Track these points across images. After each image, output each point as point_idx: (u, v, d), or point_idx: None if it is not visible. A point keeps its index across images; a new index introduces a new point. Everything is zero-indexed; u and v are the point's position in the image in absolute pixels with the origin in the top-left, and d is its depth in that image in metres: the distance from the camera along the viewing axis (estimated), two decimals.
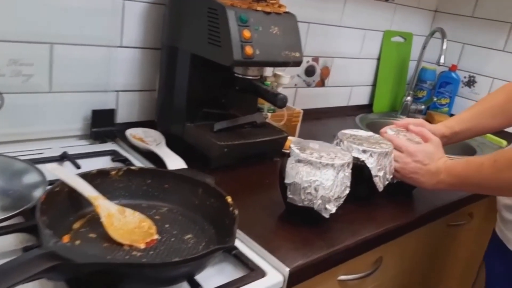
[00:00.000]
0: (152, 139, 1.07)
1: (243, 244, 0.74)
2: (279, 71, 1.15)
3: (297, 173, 0.79)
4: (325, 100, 1.62)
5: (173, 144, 1.03)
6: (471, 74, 1.85)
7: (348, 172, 0.81)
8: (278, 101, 0.92)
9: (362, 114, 1.70)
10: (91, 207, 0.69)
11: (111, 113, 1.07)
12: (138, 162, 0.99)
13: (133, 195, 0.79)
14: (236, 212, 0.69)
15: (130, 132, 1.07)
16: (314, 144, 0.86)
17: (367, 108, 1.79)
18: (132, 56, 1.11)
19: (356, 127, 1.56)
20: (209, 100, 1.06)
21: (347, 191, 0.81)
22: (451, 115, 1.85)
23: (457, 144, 1.60)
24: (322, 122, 1.54)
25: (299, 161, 0.80)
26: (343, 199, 0.81)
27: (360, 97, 1.76)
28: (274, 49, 0.96)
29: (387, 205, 0.97)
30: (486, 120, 1.05)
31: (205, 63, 0.96)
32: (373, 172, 0.89)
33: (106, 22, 1.03)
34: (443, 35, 1.54)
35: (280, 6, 0.98)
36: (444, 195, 1.07)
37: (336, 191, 0.79)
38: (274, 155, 1.11)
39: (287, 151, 1.14)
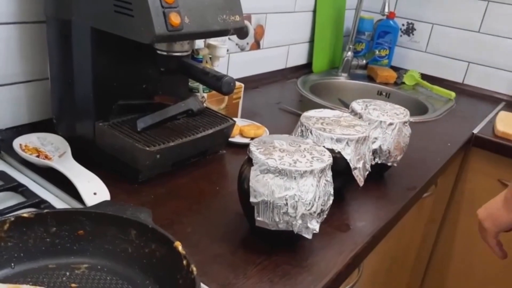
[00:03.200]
0: (53, 148, 0.80)
1: None
2: (213, 40, 0.90)
3: (266, 188, 0.58)
4: (261, 65, 1.40)
5: (82, 153, 0.77)
6: (410, 21, 1.72)
7: (329, 176, 0.62)
8: (224, 86, 0.68)
9: (303, 76, 1.51)
10: None
11: None
12: (37, 186, 0.71)
13: (33, 255, 0.53)
14: (194, 270, 0.47)
15: (20, 142, 0.78)
16: (279, 142, 0.64)
17: (307, 68, 1.59)
18: (6, 36, 0.79)
19: (300, 92, 1.37)
20: (126, 87, 0.79)
21: (330, 201, 0.62)
22: (392, 67, 1.72)
23: (407, 100, 1.49)
24: (263, 92, 1.32)
25: (267, 171, 0.58)
26: (327, 212, 0.62)
27: (298, 57, 1.56)
28: (208, 14, 0.70)
29: (362, 197, 0.80)
30: None
31: (115, 38, 0.68)
32: (352, 164, 0.71)
33: None
34: None
35: None
36: (416, 173, 0.93)
37: (319, 204, 0.59)
38: (219, 148, 0.88)
39: (235, 141, 0.94)
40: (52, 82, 0.81)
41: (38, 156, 0.76)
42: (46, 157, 0.76)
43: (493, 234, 0.80)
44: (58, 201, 0.68)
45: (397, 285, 1.26)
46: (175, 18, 0.65)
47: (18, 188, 0.69)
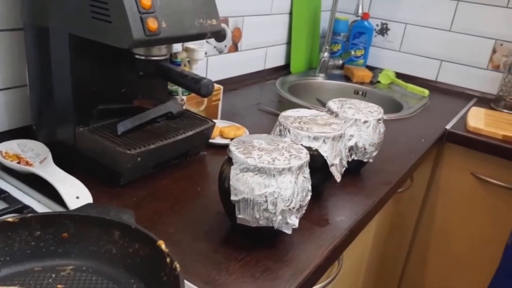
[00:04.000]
0: (34, 154, 0.80)
1: None
2: (191, 44, 0.91)
3: (246, 186, 0.60)
4: (240, 67, 1.42)
5: (63, 158, 0.77)
6: (383, 22, 1.77)
7: (307, 172, 0.64)
8: (202, 89, 0.70)
9: (281, 77, 1.54)
10: None
11: None
12: (20, 192, 0.71)
13: (18, 258, 0.54)
14: (178, 267, 0.49)
15: (0, 149, 0.78)
16: (258, 141, 0.66)
17: (285, 69, 1.62)
18: None
19: (279, 93, 1.39)
20: (105, 92, 0.80)
21: (309, 197, 0.64)
22: (367, 67, 1.76)
23: (383, 99, 1.53)
24: (242, 93, 1.34)
25: (246, 169, 0.60)
26: (305, 207, 0.64)
27: (276, 58, 1.58)
28: (185, 18, 0.72)
29: (340, 193, 0.83)
30: None
31: (93, 44, 0.69)
32: (329, 161, 0.74)
33: None
34: None
35: None
36: (391, 168, 0.96)
37: (298, 200, 0.61)
38: (200, 150, 0.90)
39: (215, 142, 0.95)
40: (31, 88, 0.82)
41: (19, 163, 0.76)
42: (27, 163, 0.77)
43: None
44: (40, 206, 0.68)
45: (378, 278, 1.29)
46: (152, 23, 0.66)
47: (0, 194, 0.70)
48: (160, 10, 0.68)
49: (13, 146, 0.80)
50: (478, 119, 1.32)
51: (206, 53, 1.23)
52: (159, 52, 0.75)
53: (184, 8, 0.72)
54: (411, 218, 1.40)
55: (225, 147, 0.91)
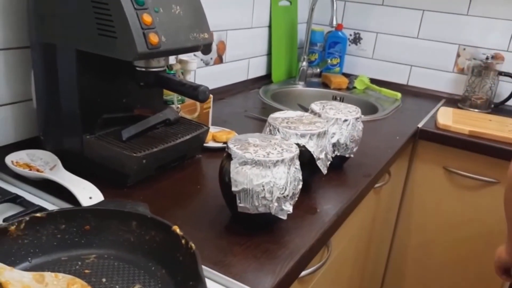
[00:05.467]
0: (43, 163, 0.86)
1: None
2: (184, 56, 1.00)
3: (245, 177, 0.68)
4: (225, 78, 1.50)
5: (72, 164, 0.84)
6: (356, 32, 1.89)
7: (297, 164, 0.72)
8: (200, 95, 0.78)
9: (264, 86, 1.63)
10: None
11: None
12: (34, 197, 0.77)
13: (47, 249, 0.60)
14: (193, 246, 0.56)
15: (11, 159, 0.84)
16: (253, 139, 0.75)
17: (267, 78, 1.72)
18: None
19: (263, 100, 1.48)
20: (108, 102, 0.87)
21: (300, 185, 0.72)
22: (343, 74, 1.88)
23: (359, 102, 1.63)
24: (229, 102, 1.42)
25: (244, 163, 0.68)
26: (298, 195, 0.73)
27: (258, 69, 1.68)
28: (181, 32, 0.80)
29: (327, 185, 0.92)
30: None
31: (97, 58, 0.77)
32: (316, 156, 0.82)
33: None
34: None
35: None
36: (370, 162, 1.05)
37: (291, 188, 0.70)
38: (196, 153, 0.97)
39: (209, 145, 1.03)
40: (38, 101, 0.88)
41: (30, 170, 0.82)
42: (38, 170, 0.83)
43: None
44: (55, 208, 0.74)
45: (365, 266, 1.38)
46: (154, 38, 0.74)
47: (16, 199, 0.75)
48: (160, 26, 0.76)
49: (22, 156, 0.86)
50: (446, 117, 1.44)
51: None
52: (158, 64, 0.83)
53: (180, 23, 0.80)
54: (392, 211, 1.50)
55: (218, 150, 1.00)
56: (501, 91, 1.64)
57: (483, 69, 1.59)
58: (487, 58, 1.60)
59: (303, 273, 0.76)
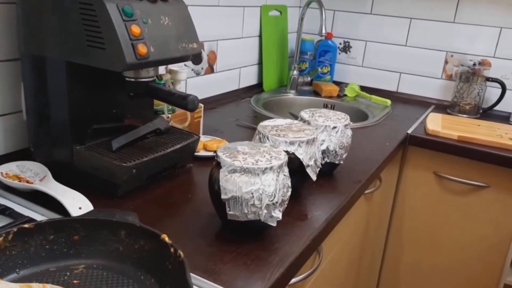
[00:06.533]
0: (33, 174, 0.86)
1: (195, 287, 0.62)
2: (174, 66, 1.00)
3: (235, 185, 0.68)
4: (216, 87, 1.51)
5: (62, 175, 0.84)
6: (346, 40, 1.91)
7: (286, 171, 0.73)
8: (189, 104, 0.78)
9: (255, 95, 1.64)
10: None
11: None
12: (23, 208, 0.77)
13: (35, 260, 0.60)
14: (182, 254, 0.56)
15: (1, 171, 0.84)
16: (242, 147, 0.75)
17: (258, 87, 1.73)
18: None
19: (254, 109, 1.49)
20: (98, 113, 0.88)
21: (289, 192, 0.73)
22: (334, 82, 1.89)
23: (350, 110, 1.65)
24: (220, 111, 1.43)
25: (233, 171, 0.69)
26: (287, 202, 0.73)
27: (249, 78, 1.69)
28: (170, 43, 0.81)
29: (317, 192, 0.92)
30: None
31: (87, 70, 0.77)
32: (305, 163, 0.83)
33: None
34: (321, 5, 1.53)
35: None
36: (360, 168, 1.06)
37: (280, 195, 0.70)
38: (187, 162, 0.98)
39: (200, 154, 1.03)
40: (28, 113, 0.88)
41: (20, 181, 0.82)
42: (28, 182, 0.83)
43: None
44: (44, 219, 0.74)
45: (358, 273, 1.38)
46: (142, 48, 0.75)
47: (5, 211, 0.75)
48: (148, 37, 0.77)
49: (12, 167, 0.86)
50: (435, 123, 1.45)
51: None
52: (147, 74, 0.84)
53: (169, 34, 0.81)
54: (384, 217, 1.51)
55: (209, 159, 1.01)
56: (489, 97, 1.66)
57: (471, 75, 1.62)
58: (474, 64, 1.63)
59: (294, 279, 0.76)
